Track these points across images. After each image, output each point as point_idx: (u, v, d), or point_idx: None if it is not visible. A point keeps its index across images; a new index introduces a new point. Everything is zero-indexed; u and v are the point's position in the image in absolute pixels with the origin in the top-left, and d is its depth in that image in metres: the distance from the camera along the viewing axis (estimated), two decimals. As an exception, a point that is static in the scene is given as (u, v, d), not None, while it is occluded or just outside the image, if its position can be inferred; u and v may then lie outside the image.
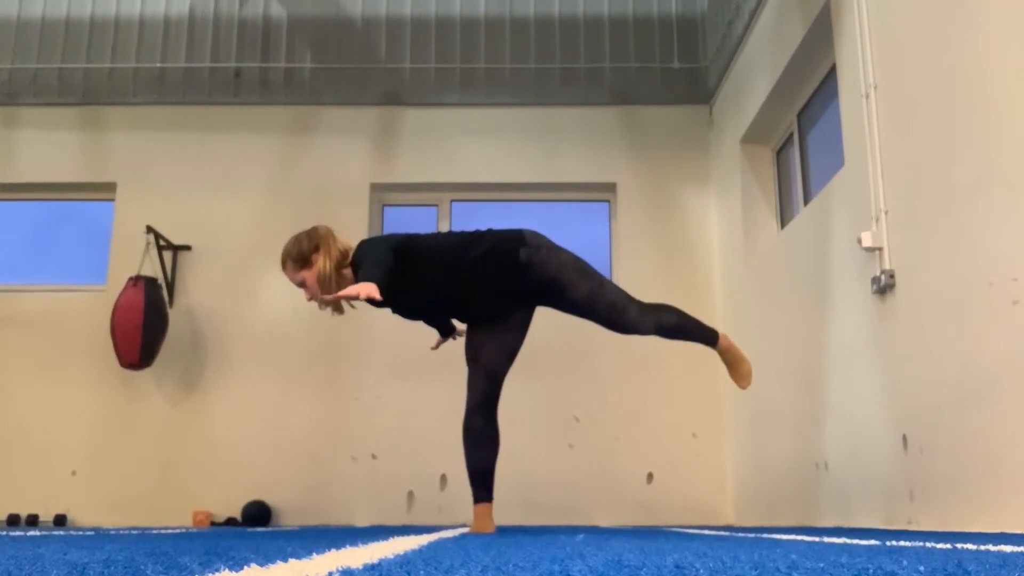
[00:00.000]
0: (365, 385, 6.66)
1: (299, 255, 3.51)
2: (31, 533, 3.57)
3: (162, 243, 6.75)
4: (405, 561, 1.32)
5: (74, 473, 6.55)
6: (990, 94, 3.23)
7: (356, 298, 3.05)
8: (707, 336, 3.77)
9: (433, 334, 3.93)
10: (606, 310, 3.59)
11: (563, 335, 6.71)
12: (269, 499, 6.49)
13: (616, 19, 7.33)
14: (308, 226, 7.24)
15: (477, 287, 3.46)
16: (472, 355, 3.57)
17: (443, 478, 6.38)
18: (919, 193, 3.73)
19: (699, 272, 6.91)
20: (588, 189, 7.22)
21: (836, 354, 4.64)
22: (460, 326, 3.79)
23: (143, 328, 6.29)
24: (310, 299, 3.50)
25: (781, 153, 6.27)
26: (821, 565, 1.20)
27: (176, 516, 6.37)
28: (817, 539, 2.45)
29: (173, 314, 6.67)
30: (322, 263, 3.45)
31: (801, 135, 5.87)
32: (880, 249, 3.99)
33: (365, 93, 7.24)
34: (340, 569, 1.17)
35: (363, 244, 3.51)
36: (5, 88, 7.21)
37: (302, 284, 3.50)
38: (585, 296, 3.52)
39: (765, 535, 3.00)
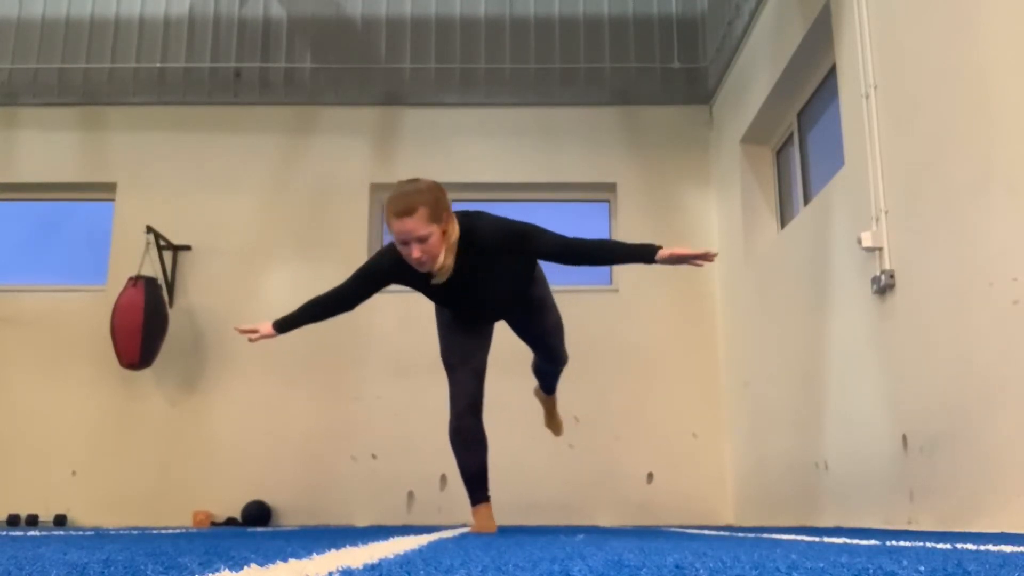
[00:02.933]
0: (365, 385, 6.66)
1: (437, 207, 3.06)
2: (31, 533, 3.57)
3: (162, 243, 6.75)
4: (405, 561, 1.32)
5: (74, 473, 6.55)
6: (990, 94, 3.23)
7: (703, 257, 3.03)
8: (554, 388, 4.07)
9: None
10: (556, 340, 3.78)
11: (563, 335, 6.71)
12: (269, 499, 6.49)
13: (616, 19, 7.34)
14: (309, 225, 7.19)
15: (510, 287, 3.46)
16: (465, 358, 3.54)
17: (443, 478, 6.39)
18: (919, 193, 3.73)
19: (699, 272, 6.90)
20: (588, 189, 7.22)
21: (836, 354, 4.64)
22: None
23: (143, 328, 6.29)
24: (420, 257, 3.08)
25: (781, 153, 6.27)
26: (821, 565, 1.20)
27: (176, 516, 6.37)
28: (817, 539, 2.45)
29: (173, 314, 6.67)
30: (454, 226, 3.15)
31: (801, 135, 5.87)
32: (880, 249, 3.99)
33: (365, 93, 7.24)
34: (340, 569, 1.17)
35: (521, 224, 3.28)
36: (5, 88, 7.21)
37: (423, 239, 3.05)
38: (553, 323, 3.73)
39: (765, 535, 3.01)
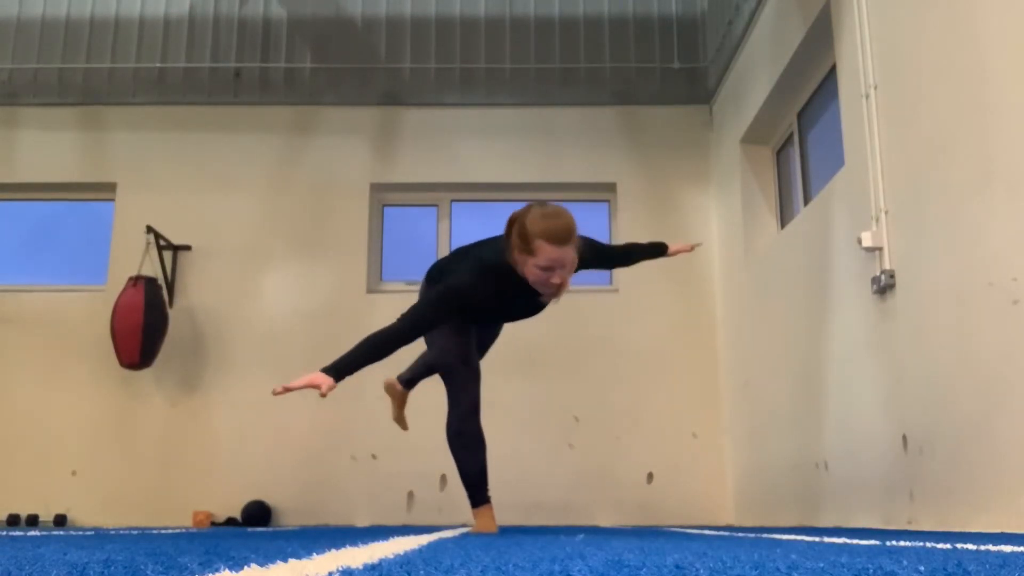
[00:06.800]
0: (365, 385, 6.63)
1: (577, 234, 3.14)
2: (31, 533, 3.57)
3: (162, 243, 6.75)
4: (405, 561, 1.32)
5: (74, 473, 6.55)
6: (990, 94, 3.23)
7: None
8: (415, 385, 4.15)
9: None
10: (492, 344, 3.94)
11: (563, 335, 6.72)
12: (269, 499, 6.49)
13: (616, 19, 7.34)
14: (309, 225, 7.18)
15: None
16: (465, 359, 3.54)
17: (443, 478, 6.39)
18: (919, 193, 3.73)
19: (699, 272, 6.91)
20: (588, 189, 7.22)
21: (836, 354, 4.64)
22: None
23: (143, 328, 6.29)
24: (560, 282, 3.12)
25: (781, 153, 6.27)
26: (821, 565, 1.20)
27: (176, 516, 6.37)
28: (817, 539, 2.45)
29: (173, 314, 6.67)
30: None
31: (801, 135, 5.87)
32: (880, 249, 3.99)
33: (365, 93, 7.24)
34: (340, 569, 1.17)
35: (585, 238, 3.40)
36: (5, 88, 7.21)
37: (565, 265, 3.11)
38: (501, 328, 3.86)
39: (765, 535, 3.00)
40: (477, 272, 3.23)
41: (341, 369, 3.06)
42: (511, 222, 3.14)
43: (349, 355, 3.08)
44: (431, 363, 3.69)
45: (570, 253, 3.07)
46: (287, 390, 2.99)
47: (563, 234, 3.03)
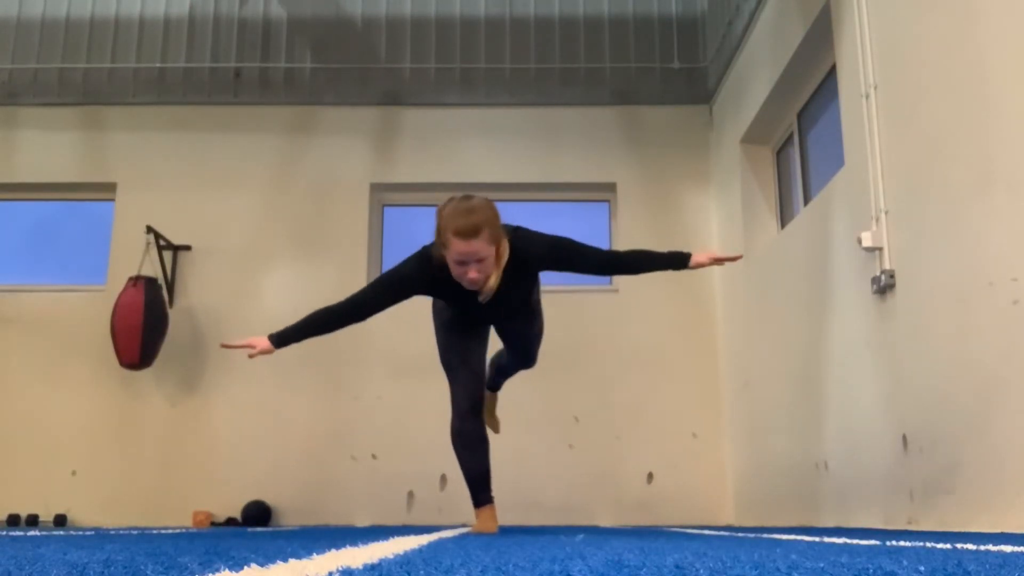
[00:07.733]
0: (365, 385, 6.66)
1: (495, 227, 3.03)
2: (31, 533, 3.57)
3: (162, 243, 6.76)
4: (405, 561, 1.32)
5: (74, 473, 6.55)
6: (990, 94, 3.23)
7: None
8: (501, 386, 4.14)
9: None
10: (537, 344, 3.82)
11: (563, 335, 6.71)
12: (269, 499, 6.49)
13: (616, 19, 7.34)
14: (309, 225, 7.18)
15: (525, 296, 3.45)
16: (465, 358, 3.53)
17: (443, 478, 6.39)
18: (919, 193, 3.73)
19: (699, 272, 6.88)
20: (588, 189, 7.23)
21: (836, 354, 4.64)
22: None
23: (143, 328, 6.29)
24: (476, 277, 3.02)
25: (781, 153, 6.27)
26: (821, 565, 1.20)
27: (176, 516, 6.37)
28: (817, 539, 2.45)
29: (173, 314, 6.67)
30: (505, 245, 3.10)
31: (801, 135, 5.87)
32: (880, 249, 3.99)
33: (365, 93, 7.24)
34: (340, 569, 1.17)
35: (562, 239, 3.32)
36: (5, 88, 7.21)
37: (482, 260, 3.01)
38: (539, 328, 3.73)
39: (765, 535, 3.00)
40: (416, 259, 3.22)
41: (284, 336, 3.26)
42: (436, 214, 3.09)
43: (294, 325, 3.25)
44: (441, 360, 3.65)
45: (480, 247, 2.97)
46: (226, 347, 3.41)
47: (468, 229, 2.94)
